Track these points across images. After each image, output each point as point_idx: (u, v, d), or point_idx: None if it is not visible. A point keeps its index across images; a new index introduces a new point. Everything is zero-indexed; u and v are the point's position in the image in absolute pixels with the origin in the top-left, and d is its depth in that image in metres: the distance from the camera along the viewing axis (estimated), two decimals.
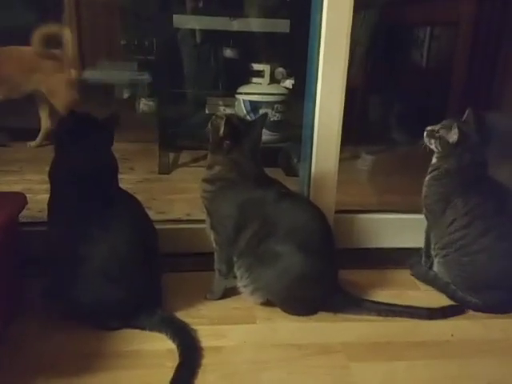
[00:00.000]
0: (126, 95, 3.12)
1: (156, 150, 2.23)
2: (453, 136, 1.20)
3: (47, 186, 1.69)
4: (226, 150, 1.13)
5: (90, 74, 3.02)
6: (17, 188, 1.76)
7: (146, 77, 3.01)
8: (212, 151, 1.17)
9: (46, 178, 1.52)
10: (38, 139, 2.36)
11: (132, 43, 3.14)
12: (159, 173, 2.17)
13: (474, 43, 2.53)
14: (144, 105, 3.02)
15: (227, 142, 1.12)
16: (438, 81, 2.68)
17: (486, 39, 2.50)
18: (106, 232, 1.05)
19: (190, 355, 1.00)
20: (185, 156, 2.36)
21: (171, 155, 2.32)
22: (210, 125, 1.16)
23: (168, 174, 2.19)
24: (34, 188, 1.78)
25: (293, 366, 1.00)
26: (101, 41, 3.16)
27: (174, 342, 1.03)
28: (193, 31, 2.34)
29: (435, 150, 1.26)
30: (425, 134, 1.28)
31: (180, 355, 0.99)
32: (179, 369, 0.95)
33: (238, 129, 1.14)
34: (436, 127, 1.26)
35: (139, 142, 2.45)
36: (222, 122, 1.11)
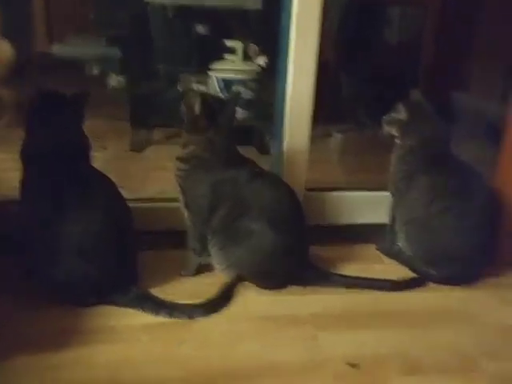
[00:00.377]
0: (95, 71, 3.05)
1: (128, 127, 2.20)
2: (402, 114, 1.27)
3: (17, 165, 1.67)
4: (202, 128, 1.14)
5: (59, 49, 2.95)
6: None
7: (116, 52, 2.95)
8: (187, 130, 1.17)
9: (14, 156, 1.51)
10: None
11: (102, 18, 3.06)
12: (132, 151, 2.14)
13: (442, 22, 2.57)
14: (114, 80, 2.97)
15: (203, 120, 1.13)
16: (409, 59, 2.73)
17: (454, 19, 2.55)
18: (80, 210, 1.06)
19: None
20: (158, 133, 2.33)
21: (144, 133, 2.28)
22: (183, 103, 1.16)
23: (141, 151, 2.16)
24: (1, 167, 1.75)
25: (265, 337, 1.05)
26: (69, 15, 3.07)
27: (156, 315, 1.07)
28: (164, 6, 2.29)
29: (396, 134, 1.32)
30: (382, 124, 1.33)
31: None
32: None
33: (213, 107, 1.14)
34: (389, 115, 1.32)
35: (111, 120, 2.39)
36: (198, 100, 1.11)
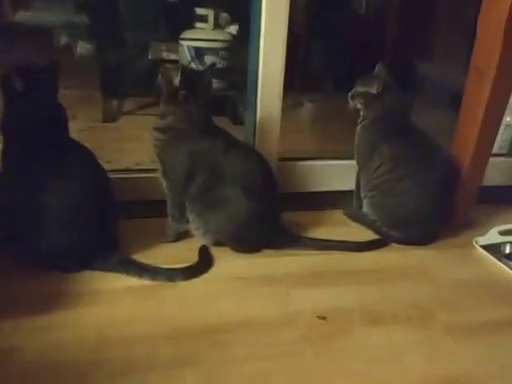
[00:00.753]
0: (63, 38, 2.97)
1: (99, 97, 2.18)
2: (373, 86, 1.31)
3: None
4: (181, 100, 1.16)
5: (24, 16, 2.85)
6: None
7: (83, 19, 2.87)
8: (165, 101, 1.19)
9: None
10: None
11: None
12: (104, 121, 2.12)
13: None
14: (82, 48, 2.90)
15: (183, 92, 1.15)
16: (376, 29, 2.77)
17: None
18: (61, 180, 1.09)
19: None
20: (129, 103, 2.31)
21: (115, 103, 2.26)
22: (160, 76, 1.18)
23: (113, 122, 2.15)
24: None
25: (241, 295, 1.12)
26: None
27: (140, 277, 1.13)
28: None
29: (361, 106, 1.37)
30: (348, 99, 1.37)
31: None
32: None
33: (191, 79, 1.16)
34: (355, 88, 1.36)
35: (80, 89, 2.32)
36: (178, 73, 1.13)
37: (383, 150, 1.33)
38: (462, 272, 1.28)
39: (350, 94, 1.38)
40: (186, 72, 1.16)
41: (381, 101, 1.33)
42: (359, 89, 1.36)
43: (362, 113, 1.39)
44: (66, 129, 1.19)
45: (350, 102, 1.38)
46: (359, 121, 1.40)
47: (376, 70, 1.37)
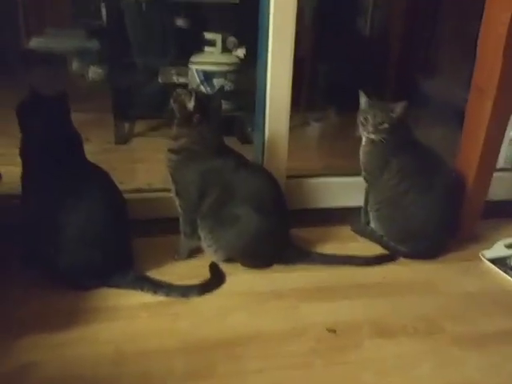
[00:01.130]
0: (75, 64, 3.06)
1: (110, 119, 2.21)
2: (398, 111, 1.32)
3: (3, 159, 1.70)
4: (195, 123, 1.22)
5: (37, 43, 2.95)
6: None
7: (95, 44, 2.96)
8: (178, 124, 1.24)
9: (5, 151, 1.56)
10: None
11: (80, 10, 3.06)
12: (116, 143, 2.17)
13: (410, 15, 2.68)
14: (94, 73, 2.98)
15: (197, 115, 1.20)
16: (380, 49, 2.83)
17: (419, 7, 2.65)
18: (80, 200, 1.14)
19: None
20: (140, 125, 2.37)
21: (127, 125, 2.31)
22: (172, 100, 1.23)
23: (125, 143, 2.20)
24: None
25: (252, 309, 1.15)
26: (47, 8, 3.06)
27: (154, 293, 1.16)
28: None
29: (371, 128, 1.33)
30: (360, 126, 1.35)
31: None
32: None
33: (204, 103, 1.22)
34: (369, 115, 1.33)
35: (93, 112, 2.38)
36: (192, 98, 1.18)
37: (393, 164, 1.35)
38: (469, 284, 1.30)
39: (365, 125, 1.35)
40: (200, 97, 1.22)
41: (393, 122, 1.33)
42: (371, 119, 1.33)
43: (371, 137, 1.36)
44: (82, 151, 1.25)
45: (362, 130, 1.37)
46: (367, 142, 1.40)
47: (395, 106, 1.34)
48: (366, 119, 1.35)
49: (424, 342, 1.07)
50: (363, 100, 1.37)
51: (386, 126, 1.33)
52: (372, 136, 1.35)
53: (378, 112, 1.33)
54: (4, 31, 2.94)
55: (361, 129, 1.37)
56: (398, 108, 1.33)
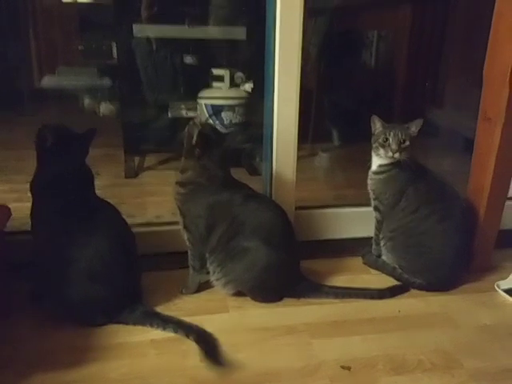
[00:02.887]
0: (86, 100, 3.14)
1: (120, 154, 2.26)
2: (414, 130, 1.31)
3: (16, 195, 1.75)
4: (197, 156, 1.23)
5: (49, 81, 3.03)
6: None
7: (106, 82, 3.04)
8: (185, 156, 1.26)
9: (13, 186, 1.57)
10: None
11: (91, 49, 3.16)
12: (126, 177, 2.20)
13: (415, 46, 2.72)
14: (105, 109, 3.05)
15: (198, 149, 1.22)
16: (386, 79, 2.87)
17: (423, 39, 2.70)
18: (89, 237, 1.14)
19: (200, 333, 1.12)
20: (150, 159, 2.40)
21: (136, 159, 2.35)
22: (186, 130, 1.24)
23: (134, 177, 2.22)
24: (1, 197, 1.80)
25: (263, 346, 1.12)
26: (59, 47, 3.16)
27: (163, 330, 1.14)
28: (148, 38, 2.37)
29: (389, 157, 1.32)
30: (381, 149, 1.32)
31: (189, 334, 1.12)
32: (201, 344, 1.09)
33: (209, 138, 1.23)
34: (389, 135, 1.30)
35: (103, 147, 2.43)
36: (196, 131, 1.20)
37: (409, 193, 1.34)
38: (485, 317, 1.26)
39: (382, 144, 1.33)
40: (205, 132, 1.23)
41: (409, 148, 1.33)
42: (392, 138, 1.31)
43: (383, 162, 1.36)
44: (93, 187, 1.25)
45: (376, 151, 1.35)
46: (380, 170, 1.37)
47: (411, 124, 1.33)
48: (386, 140, 1.32)
49: (442, 378, 1.04)
50: (378, 123, 1.35)
51: (407, 144, 1.31)
52: (396, 155, 1.31)
53: (398, 130, 1.31)
54: (17, 70, 3.04)
55: (382, 152, 1.33)
56: (414, 126, 1.32)
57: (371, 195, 1.43)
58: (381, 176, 1.38)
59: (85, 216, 1.16)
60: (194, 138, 1.20)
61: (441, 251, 1.33)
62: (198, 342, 1.11)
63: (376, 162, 1.38)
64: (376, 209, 1.43)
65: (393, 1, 2.77)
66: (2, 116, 2.85)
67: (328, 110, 2.74)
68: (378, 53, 2.87)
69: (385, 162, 1.35)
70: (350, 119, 2.64)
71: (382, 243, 1.43)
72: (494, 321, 1.25)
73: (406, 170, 1.33)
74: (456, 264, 1.37)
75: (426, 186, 1.35)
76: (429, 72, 2.74)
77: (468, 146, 1.53)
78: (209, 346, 1.09)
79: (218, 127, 2.21)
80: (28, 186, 1.20)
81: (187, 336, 1.13)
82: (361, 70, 2.92)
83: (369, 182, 1.41)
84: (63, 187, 1.17)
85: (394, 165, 1.34)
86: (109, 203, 1.24)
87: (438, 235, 1.33)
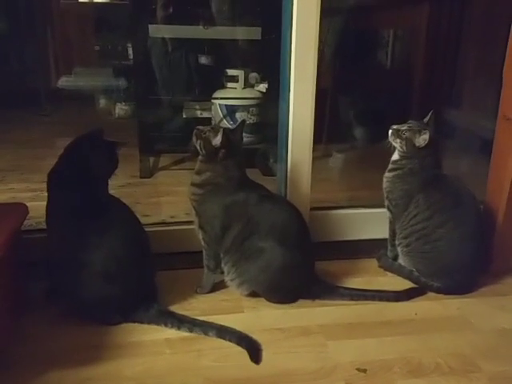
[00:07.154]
0: (102, 101, 3.16)
1: (135, 154, 2.27)
2: (421, 141, 1.30)
3: (32, 194, 1.78)
4: (221, 158, 1.23)
5: (66, 82, 3.07)
6: (1, 198, 1.83)
7: (121, 83, 3.07)
8: (203, 160, 1.26)
9: (30, 186, 1.58)
10: None
11: (107, 50, 3.19)
12: (141, 177, 2.21)
13: (431, 46, 2.69)
14: (120, 109, 3.07)
15: (223, 151, 1.22)
16: (401, 80, 2.84)
17: (444, 41, 2.66)
18: (104, 236, 1.14)
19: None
20: (164, 159, 2.41)
21: (151, 159, 2.37)
22: (195, 138, 1.24)
23: (149, 177, 2.23)
24: (18, 196, 1.84)
25: (277, 347, 1.12)
26: (76, 48, 3.20)
27: (178, 329, 1.14)
28: (164, 39, 2.39)
29: (400, 149, 1.34)
30: (390, 132, 1.34)
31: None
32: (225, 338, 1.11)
33: (229, 138, 1.23)
34: (402, 127, 1.33)
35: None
36: (219, 134, 1.20)
37: (420, 199, 1.33)
38: (504, 320, 1.24)
39: (393, 129, 1.34)
40: (227, 132, 1.23)
41: (424, 155, 1.33)
42: (407, 133, 1.32)
43: (396, 157, 1.37)
44: (106, 186, 1.26)
45: (390, 138, 1.35)
46: (392, 167, 1.39)
47: (428, 118, 1.36)
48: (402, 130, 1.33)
49: (460, 382, 1.02)
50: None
51: (425, 135, 1.30)
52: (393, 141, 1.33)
53: (415, 122, 1.34)
54: (35, 71, 3.08)
55: (398, 141, 1.34)
56: (427, 117, 1.35)
57: (384, 194, 1.42)
58: (391, 174, 1.39)
59: (100, 215, 1.17)
60: (219, 139, 1.20)
61: (458, 255, 1.31)
62: (219, 336, 1.12)
63: (392, 158, 1.39)
64: (388, 208, 1.43)
65: (409, 0, 2.74)
66: (20, 115, 2.90)
67: (343, 109, 2.72)
68: (394, 52, 2.85)
69: (396, 157, 1.37)
70: (365, 119, 2.62)
71: (398, 248, 1.41)
72: None
73: (416, 175, 1.34)
74: (474, 267, 1.35)
75: (440, 193, 1.33)
76: (446, 72, 2.71)
77: (485, 146, 1.51)
78: (232, 339, 1.11)
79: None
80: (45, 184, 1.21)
81: (206, 333, 1.13)
82: (377, 70, 2.90)
83: (384, 180, 1.41)
84: (78, 184, 1.18)
85: (404, 164, 1.35)
86: (122, 202, 1.24)
87: (454, 241, 1.31)
